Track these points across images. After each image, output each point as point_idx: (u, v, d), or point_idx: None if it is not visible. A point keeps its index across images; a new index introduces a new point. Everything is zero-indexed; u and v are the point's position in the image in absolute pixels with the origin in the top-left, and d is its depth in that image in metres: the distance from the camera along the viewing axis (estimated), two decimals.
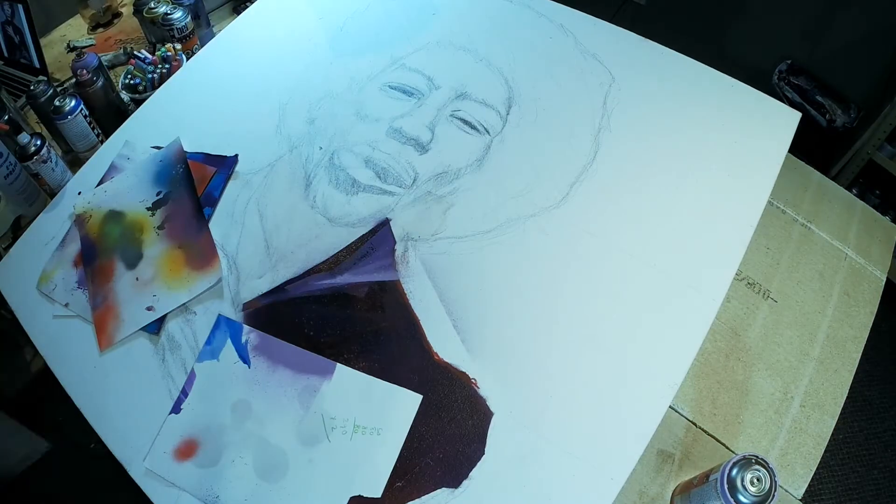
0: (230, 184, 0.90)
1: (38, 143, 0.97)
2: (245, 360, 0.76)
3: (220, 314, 0.79)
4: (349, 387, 0.73)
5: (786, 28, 1.86)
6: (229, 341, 0.78)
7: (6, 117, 1.04)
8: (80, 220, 0.90)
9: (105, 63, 1.22)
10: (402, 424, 0.70)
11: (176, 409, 0.75)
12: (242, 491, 0.69)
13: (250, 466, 0.71)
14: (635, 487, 0.73)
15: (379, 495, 0.67)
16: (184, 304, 0.81)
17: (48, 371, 0.80)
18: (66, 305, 0.84)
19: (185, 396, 0.75)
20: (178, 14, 1.17)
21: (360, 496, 0.67)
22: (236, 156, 0.91)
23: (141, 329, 0.80)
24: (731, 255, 0.78)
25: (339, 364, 0.74)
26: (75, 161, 1.06)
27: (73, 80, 1.07)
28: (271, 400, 0.74)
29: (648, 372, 0.71)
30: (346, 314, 0.78)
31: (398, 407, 0.71)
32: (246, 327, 0.78)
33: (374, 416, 0.71)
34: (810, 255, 0.94)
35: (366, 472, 0.68)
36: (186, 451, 0.72)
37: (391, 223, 0.84)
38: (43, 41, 1.26)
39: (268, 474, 0.70)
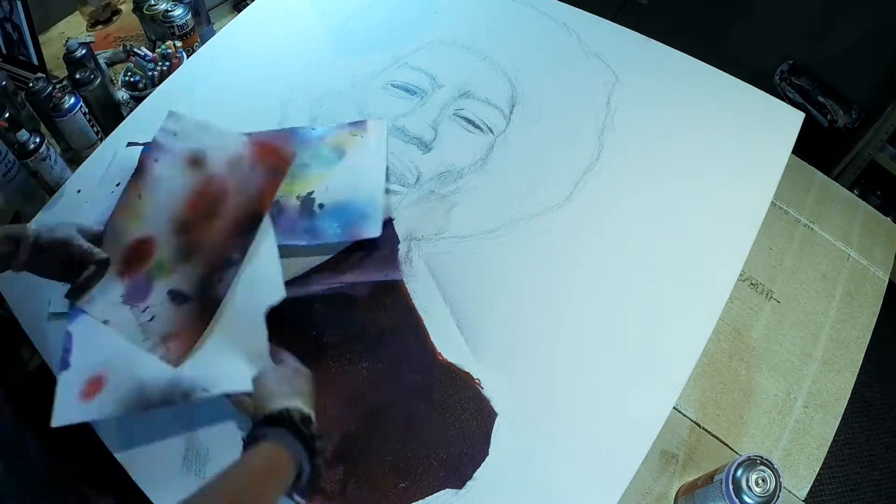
0: None
1: (38, 140, 0.96)
2: None
3: None
4: None
5: (787, 28, 1.86)
6: None
7: (6, 115, 1.03)
8: None
9: (104, 60, 1.21)
10: None
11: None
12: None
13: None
14: (639, 488, 0.73)
15: None
16: None
17: (46, 368, 0.79)
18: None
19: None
20: (178, 11, 1.16)
21: None
22: None
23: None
24: (735, 256, 0.78)
25: None
26: (75, 159, 1.05)
27: (76, 76, 1.06)
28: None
29: (652, 372, 0.71)
30: (349, 314, 0.77)
31: None
32: None
33: None
34: (813, 256, 0.94)
35: None
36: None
37: (394, 222, 0.83)
38: (42, 38, 1.24)
39: None
